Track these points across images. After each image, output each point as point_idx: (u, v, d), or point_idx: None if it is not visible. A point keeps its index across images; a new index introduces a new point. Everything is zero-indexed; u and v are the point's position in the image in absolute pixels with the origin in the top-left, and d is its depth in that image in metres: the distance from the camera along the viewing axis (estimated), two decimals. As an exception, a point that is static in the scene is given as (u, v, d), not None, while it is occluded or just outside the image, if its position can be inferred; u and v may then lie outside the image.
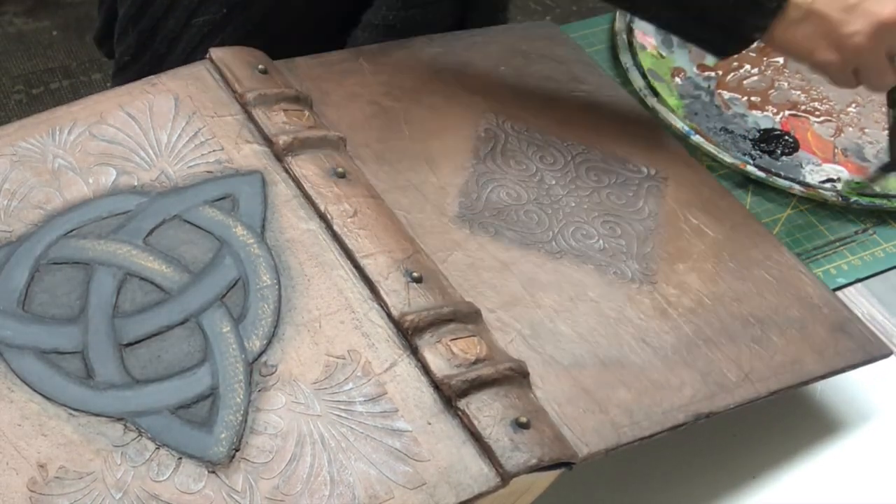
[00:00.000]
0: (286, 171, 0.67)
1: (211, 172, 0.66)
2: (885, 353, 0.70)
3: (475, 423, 0.56)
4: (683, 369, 0.64)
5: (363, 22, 0.88)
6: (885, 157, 0.89)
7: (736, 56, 0.96)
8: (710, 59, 0.95)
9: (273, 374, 0.58)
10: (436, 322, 0.60)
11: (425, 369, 0.58)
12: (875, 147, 0.89)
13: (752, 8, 0.73)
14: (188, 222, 0.64)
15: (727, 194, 0.78)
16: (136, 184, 0.65)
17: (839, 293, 0.79)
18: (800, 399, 0.73)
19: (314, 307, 0.61)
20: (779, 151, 0.88)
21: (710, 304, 0.69)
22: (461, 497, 0.54)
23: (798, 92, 0.93)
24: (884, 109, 0.89)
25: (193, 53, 0.85)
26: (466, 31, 0.86)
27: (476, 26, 0.88)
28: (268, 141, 0.68)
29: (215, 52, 0.72)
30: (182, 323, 0.59)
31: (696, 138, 0.88)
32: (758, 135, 0.89)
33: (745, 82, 0.94)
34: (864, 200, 0.85)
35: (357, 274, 0.62)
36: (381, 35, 0.85)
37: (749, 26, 0.73)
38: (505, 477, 0.55)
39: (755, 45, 0.76)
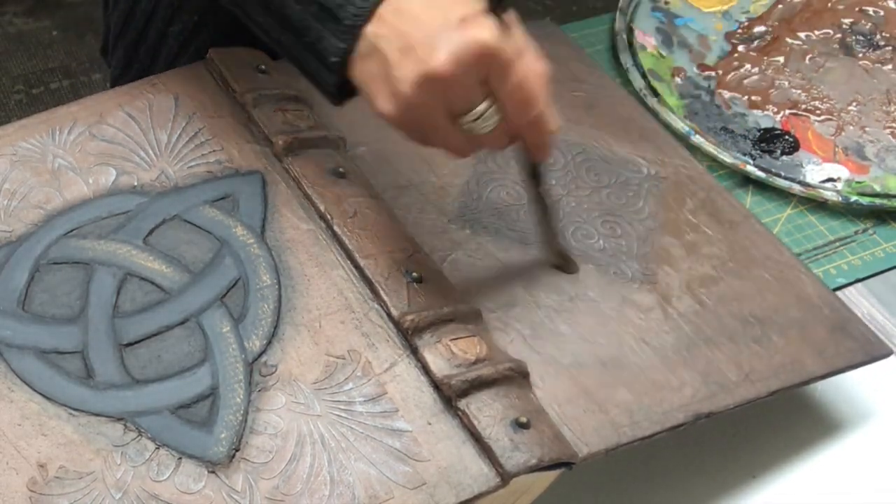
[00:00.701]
0: (286, 171, 0.67)
1: (211, 172, 0.66)
2: (886, 353, 0.70)
3: (475, 423, 0.56)
4: (683, 369, 0.64)
5: None
6: (884, 157, 0.89)
7: (736, 55, 0.96)
8: (710, 59, 0.95)
9: (273, 374, 0.58)
10: (436, 322, 0.60)
11: (425, 369, 0.59)
12: (876, 146, 0.89)
13: (329, 19, 0.58)
14: (188, 222, 0.64)
15: (727, 194, 0.78)
16: (136, 184, 0.65)
17: (839, 293, 0.79)
18: (800, 399, 0.73)
19: (314, 307, 0.61)
20: (779, 151, 0.88)
21: (710, 303, 0.69)
22: (461, 497, 0.54)
23: (798, 91, 0.93)
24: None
25: (174, 63, 0.86)
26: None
27: None
28: (268, 141, 0.68)
29: (215, 53, 0.72)
30: (182, 323, 0.59)
31: (696, 138, 0.88)
32: (758, 134, 0.89)
33: (745, 81, 0.94)
34: (864, 200, 0.85)
35: (357, 274, 0.62)
36: None
37: (330, 45, 0.58)
38: (505, 477, 0.55)
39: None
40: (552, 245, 0.68)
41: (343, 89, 0.60)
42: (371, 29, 0.57)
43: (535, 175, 0.65)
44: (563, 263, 0.68)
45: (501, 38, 0.56)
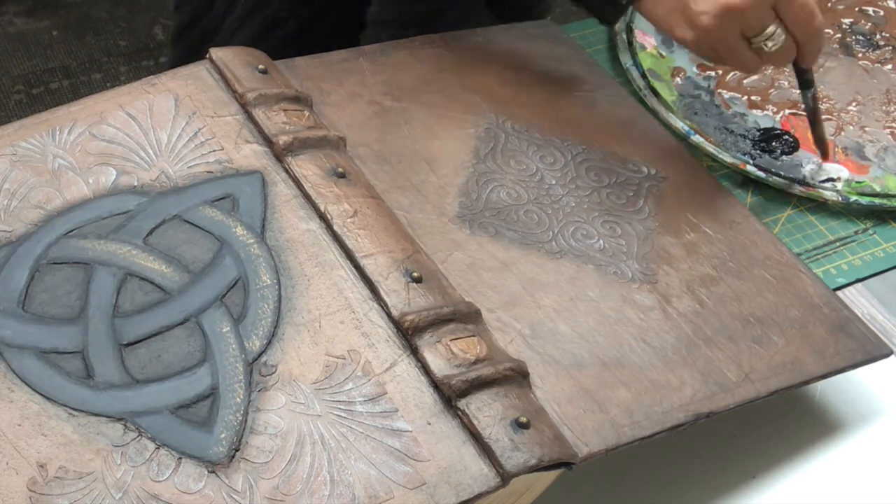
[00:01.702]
0: (286, 171, 0.67)
1: (211, 172, 0.66)
2: (886, 353, 0.70)
3: (475, 423, 0.56)
4: (683, 369, 0.64)
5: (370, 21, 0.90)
6: (884, 157, 0.89)
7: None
8: (710, 59, 0.95)
9: (273, 374, 0.58)
10: (436, 322, 0.60)
11: (425, 369, 0.59)
12: (876, 146, 0.89)
13: None
14: (188, 222, 0.64)
15: (727, 193, 0.78)
16: (136, 184, 0.65)
17: (839, 293, 0.79)
18: (800, 399, 0.73)
19: (314, 307, 0.61)
20: (779, 151, 0.88)
21: (710, 303, 0.69)
22: (461, 497, 0.54)
23: (798, 91, 0.93)
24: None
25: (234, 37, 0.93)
26: (467, 30, 0.86)
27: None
28: (268, 141, 0.68)
29: (215, 52, 0.72)
30: (182, 323, 0.59)
31: (696, 138, 0.88)
32: (758, 134, 0.89)
33: (745, 81, 0.94)
34: (864, 200, 0.85)
35: (357, 274, 0.62)
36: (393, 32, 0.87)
37: None
38: (505, 477, 0.55)
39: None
40: (820, 141, 0.84)
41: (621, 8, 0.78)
42: None
43: (805, 80, 0.81)
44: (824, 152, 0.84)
45: None
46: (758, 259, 0.73)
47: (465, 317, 0.61)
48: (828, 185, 0.86)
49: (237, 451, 0.55)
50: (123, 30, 2.01)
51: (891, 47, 0.98)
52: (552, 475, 0.61)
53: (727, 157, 0.87)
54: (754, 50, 0.74)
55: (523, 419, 0.57)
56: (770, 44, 0.73)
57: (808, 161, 0.88)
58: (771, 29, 0.72)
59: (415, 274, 0.62)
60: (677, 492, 0.67)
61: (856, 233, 0.84)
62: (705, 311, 0.68)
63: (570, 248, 0.70)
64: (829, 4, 1.01)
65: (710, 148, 0.87)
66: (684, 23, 0.73)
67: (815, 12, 0.73)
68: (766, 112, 0.91)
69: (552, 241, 0.70)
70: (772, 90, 0.93)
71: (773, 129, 0.90)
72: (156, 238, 0.63)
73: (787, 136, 0.89)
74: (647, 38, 0.96)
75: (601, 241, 0.71)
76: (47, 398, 0.56)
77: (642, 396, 0.62)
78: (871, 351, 0.69)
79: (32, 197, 0.64)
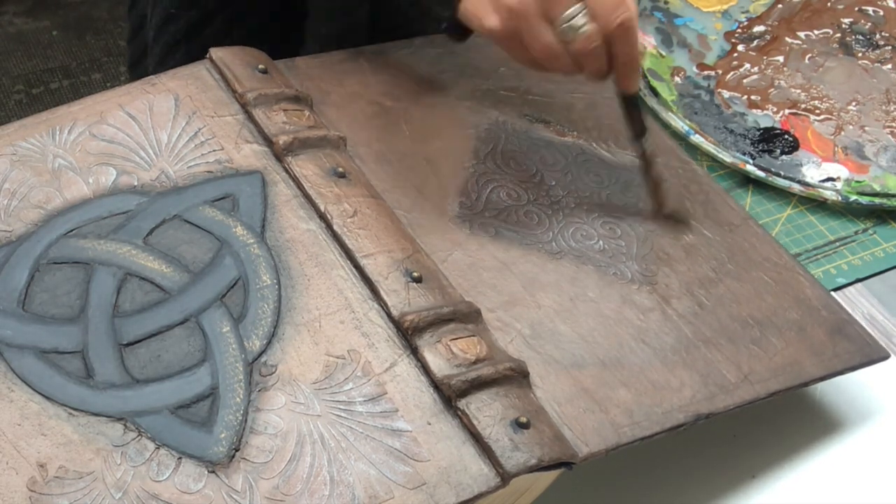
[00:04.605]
0: (286, 171, 0.67)
1: (211, 172, 0.66)
2: (883, 356, 0.70)
3: (475, 423, 0.56)
4: (683, 370, 0.64)
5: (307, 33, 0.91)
6: (882, 158, 0.89)
7: (735, 55, 0.96)
8: (709, 58, 0.95)
9: (273, 374, 0.58)
10: (436, 322, 0.60)
11: (425, 369, 0.59)
12: (876, 145, 0.89)
13: None
14: (188, 222, 0.64)
15: (726, 195, 0.78)
16: (136, 184, 0.65)
17: (839, 293, 0.79)
18: (800, 399, 0.73)
19: (314, 307, 0.61)
20: (779, 150, 0.88)
21: (709, 305, 0.69)
22: (461, 497, 0.54)
23: (798, 90, 0.93)
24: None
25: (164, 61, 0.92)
26: (466, 31, 0.86)
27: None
28: (268, 141, 0.68)
29: (215, 52, 0.72)
30: (182, 323, 0.59)
31: (696, 138, 0.88)
32: (758, 134, 0.89)
33: (744, 81, 0.94)
34: (864, 200, 0.85)
35: (357, 274, 0.62)
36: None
37: (436, 13, 0.73)
38: (505, 477, 0.55)
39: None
40: (659, 201, 0.75)
41: (460, 26, 0.72)
42: None
43: (635, 124, 0.73)
44: (677, 217, 0.75)
45: None
46: (756, 261, 0.73)
47: (465, 317, 0.61)
48: (827, 184, 0.86)
49: (237, 450, 0.55)
50: (123, 30, 2.01)
51: (890, 47, 0.98)
52: (552, 475, 0.61)
53: (727, 157, 0.87)
54: (560, 39, 0.67)
55: (523, 419, 0.57)
56: (575, 25, 0.66)
57: (807, 160, 0.88)
58: (574, 8, 0.66)
59: (415, 274, 0.62)
60: (677, 492, 0.67)
61: (856, 233, 0.84)
62: (704, 313, 0.68)
63: (569, 249, 0.70)
64: (829, 4, 1.01)
65: (710, 148, 0.87)
66: (491, 9, 0.68)
67: (624, 2, 0.66)
68: (766, 112, 0.91)
69: (552, 242, 0.70)
70: (772, 90, 0.93)
71: (772, 128, 0.90)
72: (156, 238, 0.63)
73: (786, 136, 0.90)
74: (647, 38, 0.96)
75: (601, 242, 0.71)
76: (47, 398, 0.56)
77: (642, 397, 0.62)
78: (869, 354, 0.69)
79: (32, 197, 0.64)
